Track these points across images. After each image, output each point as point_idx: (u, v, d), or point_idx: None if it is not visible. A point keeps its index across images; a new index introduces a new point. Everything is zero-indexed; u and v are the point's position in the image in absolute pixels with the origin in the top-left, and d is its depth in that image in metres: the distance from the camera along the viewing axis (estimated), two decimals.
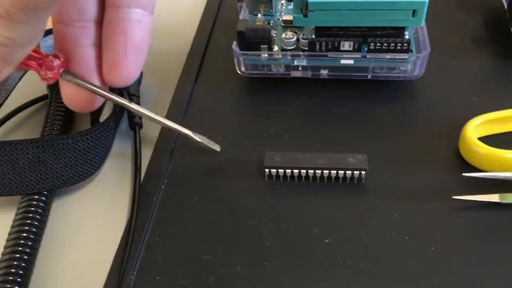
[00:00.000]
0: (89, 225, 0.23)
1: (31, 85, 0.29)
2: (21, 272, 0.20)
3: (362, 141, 0.25)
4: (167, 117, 0.27)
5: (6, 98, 0.27)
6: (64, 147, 0.22)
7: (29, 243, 0.21)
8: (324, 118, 0.26)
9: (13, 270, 0.20)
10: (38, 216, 0.22)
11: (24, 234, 0.21)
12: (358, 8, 0.25)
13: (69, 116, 0.27)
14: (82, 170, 0.23)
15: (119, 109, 0.25)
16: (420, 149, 0.24)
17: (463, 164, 0.23)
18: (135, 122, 0.26)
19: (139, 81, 0.28)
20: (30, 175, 0.22)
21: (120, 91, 0.26)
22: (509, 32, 0.27)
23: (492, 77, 0.28)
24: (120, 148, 0.26)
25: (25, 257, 0.21)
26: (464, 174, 0.22)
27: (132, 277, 0.20)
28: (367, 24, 0.26)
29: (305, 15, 0.26)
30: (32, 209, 0.22)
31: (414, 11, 0.25)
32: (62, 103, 0.26)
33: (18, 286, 0.20)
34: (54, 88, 0.28)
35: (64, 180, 0.23)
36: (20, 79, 0.28)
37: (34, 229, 0.21)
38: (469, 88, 0.27)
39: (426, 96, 0.27)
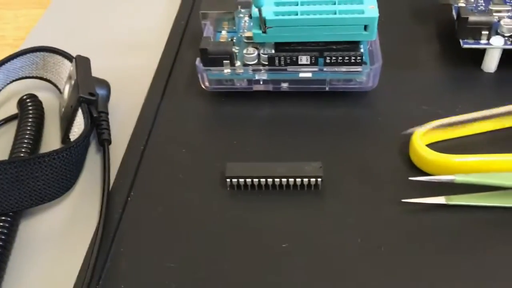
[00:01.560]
0: (58, 238, 0.24)
1: (2, 105, 0.30)
2: None
3: (319, 150, 0.26)
4: (135, 130, 0.28)
5: None
6: (41, 166, 0.23)
7: None
8: (285, 129, 0.28)
9: None
10: (4, 235, 0.23)
11: None
12: (314, 25, 0.27)
13: (38, 134, 0.28)
14: (59, 187, 0.24)
15: (90, 127, 0.26)
16: (374, 156, 0.26)
17: (413, 170, 0.25)
18: (103, 138, 0.27)
19: (107, 97, 0.29)
20: (9, 195, 0.23)
21: (88, 108, 0.27)
22: (458, 43, 0.29)
23: (442, 86, 0.29)
24: (90, 163, 0.27)
25: None
26: (410, 178, 0.23)
27: (97, 286, 0.21)
28: (323, 39, 0.27)
29: (264, 32, 0.27)
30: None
31: (365, 26, 0.27)
32: (31, 121, 0.28)
33: None
34: (23, 106, 0.29)
35: (42, 197, 0.24)
36: None
37: (0, 249, 0.22)
38: (421, 97, 0.29)
39: (380, 106, 0.28)
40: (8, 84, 0.30)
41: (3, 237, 0.23)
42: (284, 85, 0.29)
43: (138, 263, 0.22)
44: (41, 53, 0.29)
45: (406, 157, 0.25)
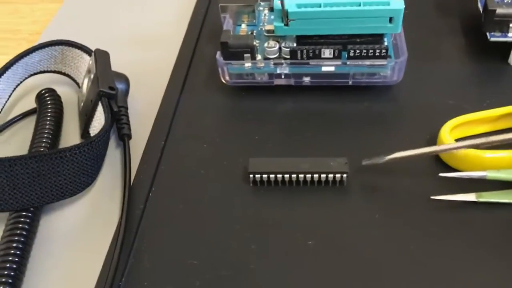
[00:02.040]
0: (79, 234, 0.24)
1: (21, 99, 0.30)
2: (11, 286, 0.20)
3: (343, 145, 0.26)
4: (155, 125, 0.27)
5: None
6: (63, 160, 0.23)
7: (18, 257, 0.21)
8: (307, 124, 0.27)
9: (3, 279, 0.20)
10: (25, 231, 0.22)
11: (12, 251, 0.21)
12: (337, 17, 0.26)
13: (57, 129, 0.27)
14: (80, 181, 0.24)
15: (110, 120, 0.26)
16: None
17: (441, 166, 0.24)
18: (123, 133, 0.27)
19: (126, 91, 0.29)
20: (30, 190, 0.23)
21: (108, 102, 0.26)
22: (484, 36, 0.28)
23: (469, 80, 0.29)
24: (109, 158, 0.27)
25: (14, 272, 0.21)
26: (440, 174, 0.23)
27: (121, 283, 0.21)
28: (346, 32, 0.27)
29: (286, 24, 0.27)
30: (21, 223, 0.22)
31: (391, 18, 0.26)
32: (50, 116, 0.27)
33: None
34: (42, 101, 0.28)
35: (63, 192, 0.23)
36: (10, 95, 0.29)
37: (22, 245, 0.22)
38: (447, 92, 0.28)
39: (405, 100, 0.28)
40: (26, 78, 0.29)
41: (24, 233, 0.22)
42: (306, 79, 0.28)
43: (160, 260, 0.22)
44: (60, 47, 0.29)
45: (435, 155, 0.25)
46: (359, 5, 0.26)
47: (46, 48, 0.29)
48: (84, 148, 0.23)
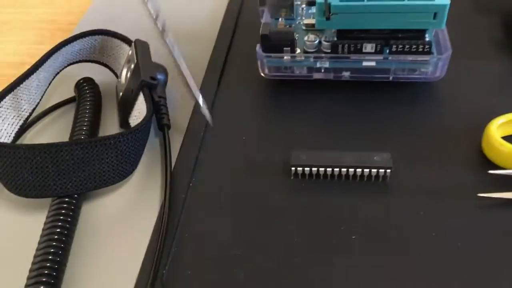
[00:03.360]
0: (120, 222, 0.24)
1: (60, 88, 0.30)
2: (54, 272, 0.20)
3: (386, 141, 0.25)
4: (192, 116, 0.27)
5: (39, 101, 0.28)
6: (106, 148, 0.23)
7: (61, 243, 0.22)
8: (347, 119, 0.27)
9: (46, 272, 0.20)
10: (69, 217, 0.22)
11: (56, 236, 0.22)
12: (380, 11, 0.26)
13: (96, 117, 0.27)
14: (122, 169, 0.24)
15: (152, 111, 0.26)
16: (444, 148, 0.25)
17: (486, 163, 0.24)
18: (164, 123, 0.27)
19: (165, 83, 0.29)
20: (75, 176, 0.23)
21: (150, 93, 0.26)
22: None
23: (511, 77, 0.28)
24: (148, 147, 0.27)
25: (57, 257, 0.21)
26: (490, 171, 0.22)
27: (164, 271, 0.21)
28: (389, 26, 0.27)
29: (328, 18, 0.27)
30: (64, 209, 0.23)
31: (435, 14, 0.26)
32: (89, 105, 0.28)
33: (51, 286, 0.20)
34: (81, 90, 0.29)
35: (106, 179, 0.24)
36: (50, 83, 0.29)
37: (65, 230, 0.22)
38: (490, 89, 0.28)
39: (447, 97, 0.28)
40: (66, 67, 0.30)
41: (69, 219, 0.22)
42: (346, 74, 0.28)
43: (203, 249, 0.22)
44: (100, 36, 0.29)
45: (477, 151, 0.24)
46: (404, 0, 0.26)
47: (87, 38, 0.29)
48: (128, 136, 0.23)
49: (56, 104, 0.29)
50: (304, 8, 0.31)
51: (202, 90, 0.29)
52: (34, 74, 0.27)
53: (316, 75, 0.28)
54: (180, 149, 0.26)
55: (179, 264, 0.21)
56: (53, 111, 0.29)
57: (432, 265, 0.21)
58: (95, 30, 0.29)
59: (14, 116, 0.26)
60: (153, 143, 0.27)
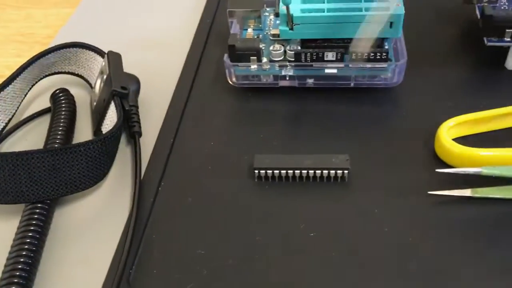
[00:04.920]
0: (91, 226, 0.25)
1: (36, 99, 0.31)
2: (25, 274, 0.21)
3: (346, 144, 0.27)
4: (164, 123, 0.29)
5: (15, 112, 0.29)
6: (77, 155, 0.24)
7: (34, 246, 0.22)
8: (310, 124, 0.28)
9: (17, 273, 0.21)
10: (41, 222, 0.23)
11: (28, 240, 0.22)
12: (340, 21, 0.28)
13: (71, 126, 0.28)
14: (93, 175, 0.25)
15: (122, 118, 0.27)
16: (399, 150, 0.26)
17: (439, 164, 0.25)
18: (135, 131, 0.28)
19: (137, 92, 0.30)
20: (47, 183, 0.24)
21: (120, 101, 0.27)
22: (482, 42, 0.29)
23: (467, 84, 0.30)
24: (120, 155, 0.28)
25: (29, 260, 0.22)
26: (437, 170, 0.24)
27: (131, 271, 0.22)
28: (349, 36, 0.28)
29: (291, 28, 0.28)
30: (36, 214, 0.24)
31: (391, 23, 0.27)
32: (64, 114, 0.29)
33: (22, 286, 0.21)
34: (56, 100, 0.30)
35: (78, 185, 0.24)
36: (26, 95, 0.30)
37: (37, 234, 0.23)
38: (445, 94, 0.29)
39: (405, 101, 0.29)
40: (41, 78, 0.31)
41: (41, 223, 0.23)
42: (310, 81, 0.30)
43: (169, 249, 0.23)
44: (74, 48, 0.30)
45: (431, 151, 0.26)
46: (361, 11, 0.27)
47: (61, 50, 0.30)
48: (98, 144, 0.25)
49: (32, 114, 0.30)
50: (272, 19, 0.32)
51: (174, 97, 0.30)
52: (10, 85, 0.28)
53: (282, 83, 0.30)
54: (151, 155, 0.27)
55: (146, 264, 0.22)
56: (29, 122, 0.30)
57: (384, 259, 0.22)
58: (69, 42, 0.30)
59: None
60: (125, 150, 0.28)
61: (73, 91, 0.31)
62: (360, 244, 0.22)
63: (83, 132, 0.29)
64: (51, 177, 0.24)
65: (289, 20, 0.28)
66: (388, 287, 0.21)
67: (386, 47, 0.29)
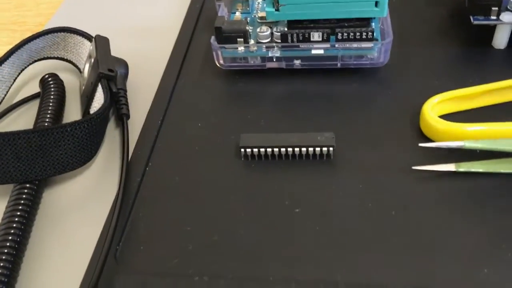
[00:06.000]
0: (80, 206, 0.25)
1: (26, 85, 0.32)
2: (14, 251, 0.22)
3: (332, 122, 0.27)
4: (152, 105, 0.29)
5: (4, 96, 0.29)
6: (63, 135, 0.24)
7: (21, 225, 0.23)
8: (298, 104, 0.28)
9: (5, 251, 0.22)
10: (29, 201, 0.24)
11: (16, 219, 0.23)
12: (326, 1, 0.28)
13: (59, 109, 0.29)
14: (81, 156, 0.25)
15: (109, 101, 0.27)
16: (385, 128, 0.26)
17: (424, 141, 0.25)
18: (122, 113, 0.28)
19: (125, 75, 0.30)
20: (34, 163, 0.24)
21: (108, 83, 0.28)
22: (468, 20, 0.29)
23: (453, 62, 0.30)
24: (109, 138, 0.28)
25: (17, 238, 0.22)
26: (420, 144, 0.24)
27: (118, 247, 0.22)
28: (334, 16, 0.28)
29: (277, 9, 0.28)
30: (24, 194, 0.24)
31: (376, 3, 0.27)
32: (53, 97, 0.29)
33: (11, 266, 0.21)
34: (46, 84, 0.30)
35: (65, 166, 0.25)
36: (15, 80, 0.30)
37: (25, 213, 0.23)
38: (432, 73, 0.29)
39: (391, 81, 0.29)
40: (30, 64, 0.31)
41: (29, 203, 0.24)
42: (297, 62, 0.30)
43: (156, 227, 0.23)
44: (62, 33, 0.31)
45: (417, 129, 0.26)
46: None
47: (49, 35, 0.30)
48: (84, 124, 0.25)
49: (22, 99, 0.30)
50: (260, 3, 0.32)
51: (162, 80, 0.31)
52: None
53: (269, 64, 0.30)
54: (138, 136, 0.27)
55: (133, 240, 0.23)
56: (18, 107, 0.30)
57: (368, 234, 0.22)
58: (57, 27, 0.31)
59: None
60: (113, 133, 0.28)
61: (62, 76, 0.31)
62: (345, 219, 0.23)
63: (72, 118, 0.29)
64: (39, 157, 0.24)
65: (275, 1, 0.28)
66: (372, 261, 0.21)
67: (372, 26, 0.29)
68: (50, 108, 0.28)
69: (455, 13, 0.33)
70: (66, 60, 0.32)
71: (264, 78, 0.30)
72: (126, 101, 0.29)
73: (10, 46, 0.33)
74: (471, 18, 0.29)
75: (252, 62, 0.30)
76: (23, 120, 0.30)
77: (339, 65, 0.29)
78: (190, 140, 0.27)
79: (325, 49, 0.29)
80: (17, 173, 0.24)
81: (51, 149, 0.24)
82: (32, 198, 0.24)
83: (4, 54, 0.29)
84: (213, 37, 0.29)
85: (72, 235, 0.24)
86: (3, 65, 0.28)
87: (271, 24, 0.30)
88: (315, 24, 0.29)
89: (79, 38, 0.31)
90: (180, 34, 0.34)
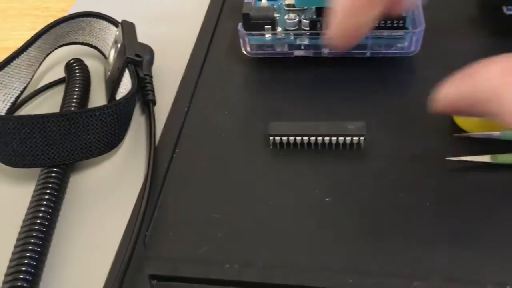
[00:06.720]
0: (107, 191, 0.25)
1: (51, 70, 0.31)
2: (42, 235, 0.22)
3: (362, 111, 0.26)
4: (178, 92, 0.29)
5: (30, 80, 0.29)
6: (92, 120, 0.24)
7: (50, 209, 0.23)
8: (326, 92, 0.28)
9: (34, 234, 0.21)
10: (57, 185, 0.24)
11: (44, 202, 0.23)
12: None
13: (85, 94, 0.28)
14: (108, 141, 0.25)
15: (137, 86, 0.27)
16: (416, 117, 0.26)
17: (457, 130, 0.25)
18: (149, 99, 0.28)
19: (151, 61, 0.30)
20: (62, 147, 0.24)
21: (135, 69, 0.27)
22: (500, 11, 0.29)
23: (484, 53, 0.29)
24: (135, 124, 0.28)
25: (45, 221, 0.22)
26: (455, 134, 0.23)
27: (146, 233, 0.22)
28: None
29: None
30: (52, 177, 0.24)
31: None
32: (79, 82, 0.29)
33: (40, 249, 0.21)
34: (71, 70, 0.30)
35: (93, 150, 0.25)
36: (40, 64, 0.30)
37: (53, 197, 0.23)
38: (463, 63, 0.28)
39: (422, 70, 0.28)
40: (56, 48, 0.31)
41: (56, 187, 0.23)
42: (325, 51, 0.29)
43: (184, 213, 0.23)
44: (88, 18, 0.30)
45: (449, 119, 0.25)
46: None
47: (75, 19, 0.30)
48: (113, 109, 0.25)
49: (47, 84, 0.30)
50: None
51: (188, 66, 0.30)
52: (25, 53, 0.28)
53: (297, 52, 0.29)
54: (165, 123, 0.27)
55: (161, 226, 0.22)
56: (43, 91, 0.30)
57: (400, 225, 0.22)
58: (82, 12, 0.30)
59: (5, 94, 0.27)
60: (139, 120, 0.28)
61: (87, 62, 0.31)
62: (376, 209, 0.22)
63: (97, 103, 0.29)
64: (67, 141, 0.24)
65: None
66: (404, 251, 0.21)
67: (404, 14, 0.28)
68: (76, 93, 0.28)
69: (487, 2, 0.32)
70: (91, 46, 0.31)
71: (291, 66, 0.30)
72: (152, 87, 0.28)
73: (34, 32, 0.32)
74: (504, 8, 0.29)
75: (279, 50, 0.30)
76: (47, 105, 0.29)
77: (368, 54, 0.29)
78: (217, 127, 0.27)
79: None
80: (45, 157, 0.24)
81: (80, 133, 0.24)
82: (60, 182, 0.24)
83: (31, 38, 0.28)
84: (240, 24, 0.29)
85: (100, 220, 0.23)
86: (30, 48, 0.28)
87: (299, 12, 0.30)
88: None
89: (105, 23, 0.30)
90: (205, 20, 0.34)
